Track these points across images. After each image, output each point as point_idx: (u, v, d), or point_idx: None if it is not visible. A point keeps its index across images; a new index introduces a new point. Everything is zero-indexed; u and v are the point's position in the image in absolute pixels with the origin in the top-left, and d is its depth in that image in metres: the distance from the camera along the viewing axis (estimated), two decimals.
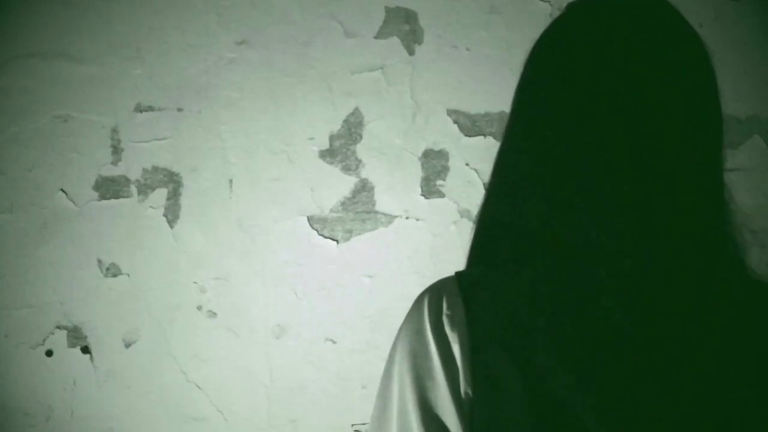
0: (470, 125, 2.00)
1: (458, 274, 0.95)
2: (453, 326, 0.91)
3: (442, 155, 2.00)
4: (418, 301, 0.95)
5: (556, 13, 1.07)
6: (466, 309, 0.91)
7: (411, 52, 2.00)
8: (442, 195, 1.99)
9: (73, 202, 2.00)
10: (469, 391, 0.89)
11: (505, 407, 0.87)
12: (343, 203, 2.00)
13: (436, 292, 0.94)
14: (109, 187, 2.00)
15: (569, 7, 0.97)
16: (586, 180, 0.89)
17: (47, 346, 1.99)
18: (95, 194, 2.00)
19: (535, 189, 0.92)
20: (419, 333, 0.92)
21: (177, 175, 2.01)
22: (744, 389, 0.87)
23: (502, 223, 0.95)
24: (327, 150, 2.00)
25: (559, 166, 0.91)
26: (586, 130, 0.90)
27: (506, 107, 0.99)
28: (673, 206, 0.89)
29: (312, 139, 2.00)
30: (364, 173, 2.00)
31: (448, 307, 0.92)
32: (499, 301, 0.91)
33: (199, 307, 2.00)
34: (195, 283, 2.00)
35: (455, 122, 1.99)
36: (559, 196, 0.90)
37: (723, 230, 0.91)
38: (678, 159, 0.89)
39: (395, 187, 2.00)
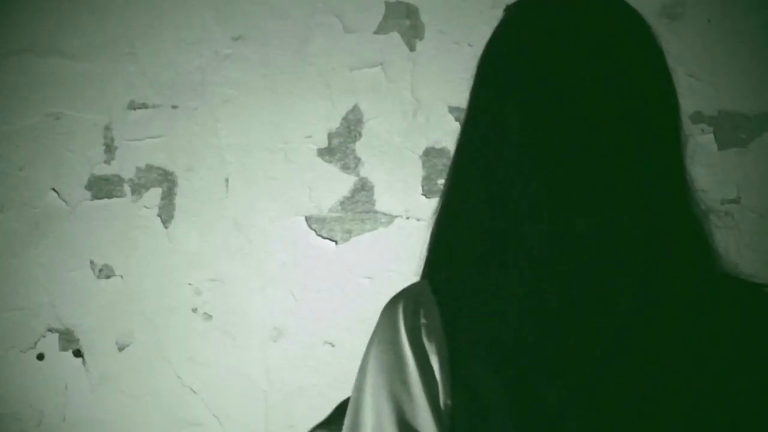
0: None
1: (429, 278, 0.93)
2: (430, 335, 0.88)
3: (443, 153, 1.98)
4: (391, 309, 0.91)
5: None
6: (442, 316, 0.88)
7: (412, 48, 1.99)
8: None
9: (65, 202, 2.00)
10: (449, 402, 0.86)
11: (487, 416, 0.85)
12: (342, 203, 2.00)
13: (409, 299, 0.91)
14: (102, 187, 2.00)
15: (518, 3, 0.97)
16: (546, 182, 0.88)
17: (38, 349, 1.99)
18: (88, 194, 2.00)
19: (492, 189, 0.91)
20: (394, 344, 0.89)
21: (172, 174, 2.00)
22: (742, 397, 0.86)
23: (466, 225, 0.93)
24: (325, 148, 2.00)
25: (516, 167, 0.90)
26: (539, 130, 0.89)
27: None
28: (641, 205, 0.88)
29: (310, 137, 2.00)
30: (364, 172, 1.99)
31: (424, 315, 0.89)
32: (475, 307, 0.88)
33: (195, 310, 1.99)
34: (190, 284, 2.00)
35: (457, 120, 1.98)
36: (518, 199, 0.89)
37: (697, 230, 0.91)
38: (636, 153, 0.89)
39: (395, 186, 1.99)
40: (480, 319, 0.88)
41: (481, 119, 0.94)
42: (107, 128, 2.00)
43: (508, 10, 0.96)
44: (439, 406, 0.86)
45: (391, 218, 1.99)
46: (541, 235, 0.88)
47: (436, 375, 0.87)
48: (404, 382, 0.88)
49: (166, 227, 2.00)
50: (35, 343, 1.99)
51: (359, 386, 0.91)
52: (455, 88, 1.98)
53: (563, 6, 0.93)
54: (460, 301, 0.89)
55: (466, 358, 0.86)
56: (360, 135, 2.00)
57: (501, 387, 0.84)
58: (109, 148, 2.00)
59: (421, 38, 1.99)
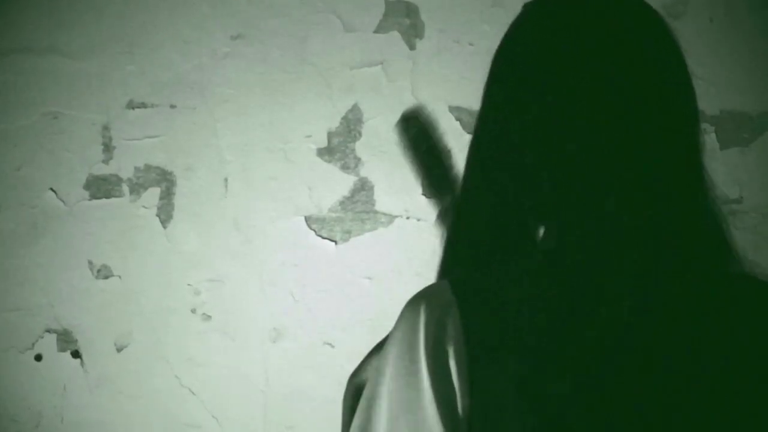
0: (473, 122, 1.98)
1: (450, 279, 0.92)
2: (450, 339, 0.87)
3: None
4: (412, 309, 0.90)
5: None
6: (462, 320, 0.87)
7: (412, 47, 1.99)
8: None
9: (63, 202, 2.00)
10: (467, 406, 0.86)
11: (503, 421, 0.85)
12: (341, 203, 1.99)
13: (431, 301, 0.90)
14: (101, 187, 2.00)
15: (536, 1, 0.96)
16: (548, 181, 0.89)
17: (36, 350, 1.99)
18: (86, 194, 2.00)
19: (497, 189, 0.92)
20: (412, 348, 0.88)
21: (170, 173, 2.00)
22: (744, 396, 0.86)
23: (474, 225, 0.93)
24: (325, 148, 1.99)
25: (533, 166, 0.90)
26: (557, 128, 0.89)
27: None
28: (658, 204, 0.88)
29: (310, 136, 1.99)
30: (364, 172, 1.99)
31: (446, 319, 0.88)
32: (495, 311, 0.88)
33: (193, 310, 1.99)
34: (189, 285, 1.99)
35: (457, 119, 1.98)
36: (522, 198, 0.90)
37: (707, 229, 0.91)
38: (656, 152, 0.89)
39: (395, 186, 1.98)
40: (487, 319, 0.88)
41: (491, 117, 0.94)
42: (105, 128, 2.00)
43: (526, 7, 0.96)
44: (456, 413, 0.86)
45: (391, 218, 1.98)
46: (543, 236, 0.88)
47: (454, 380, 0.86)
48: (418, 389, 0.87)
49: (164, 227, 1.99)
50: (33, 344, 1.99)
51: (374, 388, 0.90)
52: (455, 87, 1.98)
53: (581, 4, 0.92)
54: (472, 302, 0.89)
55: (483, 361, 0.86)
56: (360, 134, 1.99)
57: (510, 386, 0.84)
58: (108, 148, 2.00)
59: (421, 37, 1.99)
